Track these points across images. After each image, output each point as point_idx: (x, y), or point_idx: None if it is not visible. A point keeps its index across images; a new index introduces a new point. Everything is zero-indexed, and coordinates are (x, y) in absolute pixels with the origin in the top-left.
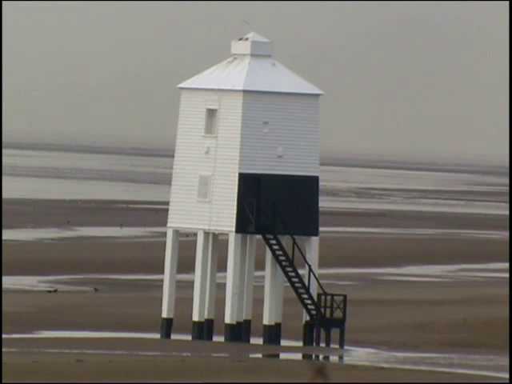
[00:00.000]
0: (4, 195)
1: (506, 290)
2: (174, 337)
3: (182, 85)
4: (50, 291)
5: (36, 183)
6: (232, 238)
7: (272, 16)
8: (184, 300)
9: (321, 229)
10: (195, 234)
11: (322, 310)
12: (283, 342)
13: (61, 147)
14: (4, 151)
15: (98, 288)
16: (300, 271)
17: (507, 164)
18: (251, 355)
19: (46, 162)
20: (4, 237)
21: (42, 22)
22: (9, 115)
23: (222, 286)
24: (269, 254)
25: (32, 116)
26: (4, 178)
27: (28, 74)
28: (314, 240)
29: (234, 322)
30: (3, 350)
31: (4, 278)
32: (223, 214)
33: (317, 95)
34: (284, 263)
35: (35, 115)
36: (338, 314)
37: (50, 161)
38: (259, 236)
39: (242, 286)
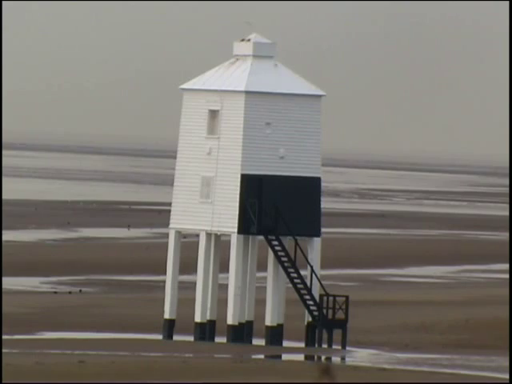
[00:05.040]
0: (5, 196)
1: (508, 291)
2: (176, 338)
3: (184, 86)
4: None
5: (37, 184)
6: (234, 239)
7: (274, 17)
8: (186, 301)
9: (323, 230)
10: (197, 235)
11: (324, 310)
12: (285, 343)
13: (62, 148)
14: (5, 152)
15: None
16: (302, 272)
17: (508, 164)
18: (253, 356)
19: (47, 162)
20: (5, 238)
21: (42, 22)
22: (9, 115)
23: (224, 287)
24: (271, 255)
25: (33, 117)
26: (5, 179)
27: (28, 74)
28: (316, 241)
29: (236, 323)
30: (5, 350)
31: (6, 279)
32: (225, 215)
33: (319, 96)
34: (286, 264)
35: (36, 116)
36: (340, 314)
37: (51, 162)
38: (261, 237)
39: (244, 287)
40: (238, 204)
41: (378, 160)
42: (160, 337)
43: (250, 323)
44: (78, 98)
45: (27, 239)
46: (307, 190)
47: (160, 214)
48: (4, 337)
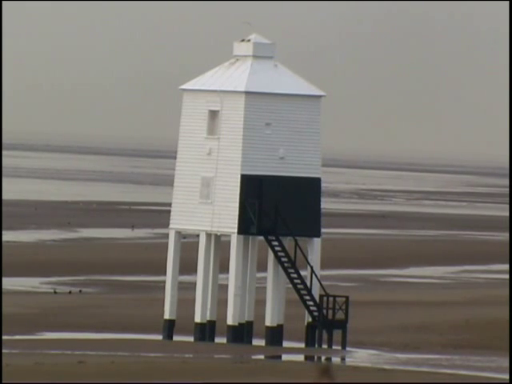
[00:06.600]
0: (5, 196)
1: (508, 291)
2: (176, 338)
3: (184, 86)
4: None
5: (37, 184)
6: (234, 240)
7: (274, 17)
8: (186, 301)
9: (323, 230)
10: (197, 236)
11: (324, 311)
12: (285, 344)
13: (62, 148)
14: (5, 153)
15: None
16: (302, 272)
17: (508, 165)
18: (253, 356)
19: (47, 163)
20: (5, 238)
21: (42, 22)
22: (9, 115)
23: (224, 288)
24: (271, 256)
25: (33, 117)
26: (5, 180)
27: (28, 74)
28: (316, 241)
29: (236, 324)
30: (5, 351)
31: (5, 280)
32: (225, 216)
33: (319, 96)
34: (286, 264)
35: (36, 116)
36: (340, 315)
37: (51, 162)
38: (261, 237)
39: (244, 288)
40: (237, 204)
41: (378, 160)
42: (160, 337)
43: (249, 323)
44: (78, 97)
45: (27, 239)
46: (307, 190)
47: (161, 215)
48: (4, 337)
